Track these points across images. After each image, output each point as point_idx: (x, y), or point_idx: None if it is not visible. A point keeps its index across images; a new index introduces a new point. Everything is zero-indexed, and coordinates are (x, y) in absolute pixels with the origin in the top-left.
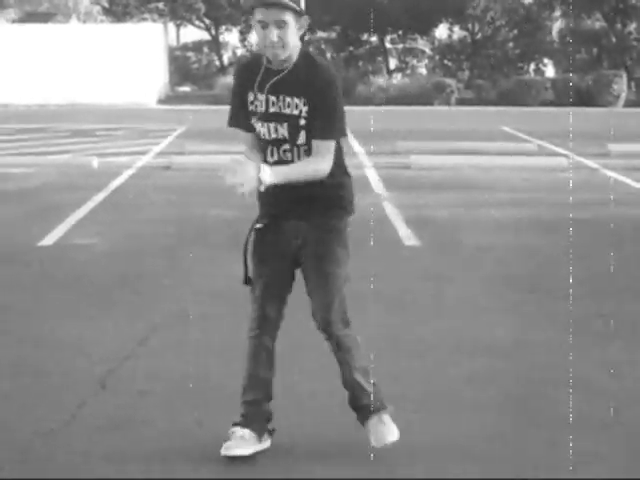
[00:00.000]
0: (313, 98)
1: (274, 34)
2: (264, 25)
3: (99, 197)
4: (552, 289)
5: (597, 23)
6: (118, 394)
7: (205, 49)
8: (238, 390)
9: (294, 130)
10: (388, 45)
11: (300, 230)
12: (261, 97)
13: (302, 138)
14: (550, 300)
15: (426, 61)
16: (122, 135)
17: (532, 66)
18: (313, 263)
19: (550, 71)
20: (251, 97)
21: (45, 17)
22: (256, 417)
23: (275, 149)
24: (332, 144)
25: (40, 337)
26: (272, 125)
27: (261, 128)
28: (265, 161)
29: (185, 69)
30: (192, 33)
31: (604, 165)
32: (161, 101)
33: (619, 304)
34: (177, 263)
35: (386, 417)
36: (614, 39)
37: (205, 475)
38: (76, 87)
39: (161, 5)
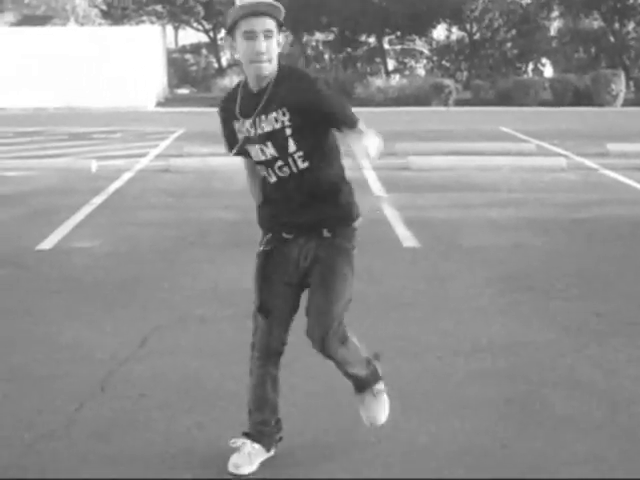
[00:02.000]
0: (306, 105)
1: (263, 45)
2: (251, 36)
3: (98, 200)
4: (550, 289)
5: (595, 23)
6: (117, 397)
7: (204, 51)
8: (238, 393)
9: (281, 143)
10: (386, 46)
11: (309, 250)
12: (244, 124)
13: (292, 147)
14: (548, 300)
15: (424, 62)
16: (120, 138)
17: (530, 66)
18: (319, 282)
19: (548, 71)
20: (237, 125)
21: (43, 20)
22: (266, 432)
23: (270, 170)
24: (362, 124)
25: (39, 340)
26: (258, 147)
27: (251, 150)
28: (267, 183)
29: (183, 71)
30: (190, 36)
31: (603, 165)
32: (160, 103)
33: (616, 303)
34: (176, 266)
35: (377, 391)
36: (612, 39)
37: (205, 477)
38: (74, 90)
39: (159, 8)
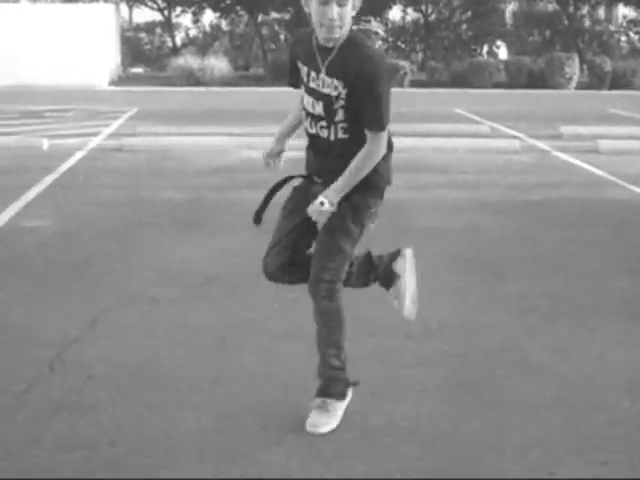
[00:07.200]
0: (358, 86)
1: (334, 12)
2: (324, 2)
3: (49, 179)
4: (502, 271)
5: (550, 6)
6: (66, 378)
7: (158, 30)
8: (187, 374)
9: (330, 109)
10: None
11: None
12: (304, 69)
13: (340, 116)
14: (500, 282)
15: (379, 43)
16: (73, 116)
17: (485, 48)
18: (322, 232)
19: (503, 53)
20: (299, 66)
21: None
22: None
23: (314, 123)
24: (384, 133)
25: None
26: (311, 100)
27: (305, 98)
28: (307, 130)
29: (137, 50)
30: (144, 14)
31: (556, 147)
32: (113, 82)
33: (567, 286)
34: (127, 246)
35: (332, 406)
36: (567, 22)
37: (153, 459)
38: (26, 68)
39: None
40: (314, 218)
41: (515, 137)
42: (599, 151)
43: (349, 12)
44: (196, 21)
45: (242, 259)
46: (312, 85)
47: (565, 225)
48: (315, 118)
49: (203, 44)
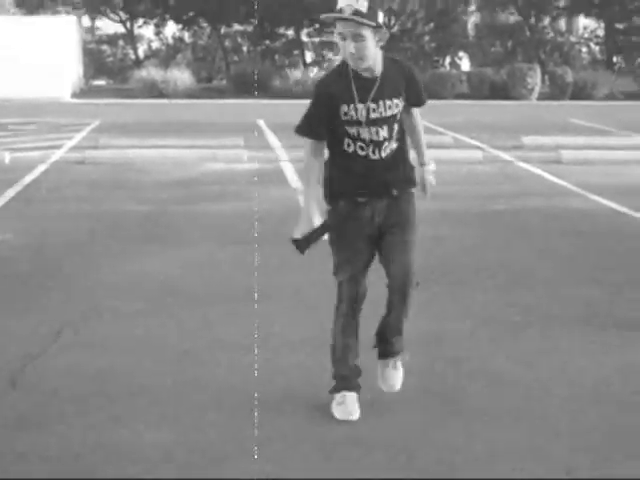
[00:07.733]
0: (410, 88)
1: (351, 47)
2: (343, 37)
3: (11, 193)
4: (466, 281)
5: (512, 17)
6: (30, 391)
7: (120, 42)
8: (151, 386)
9: (392, 126)
10: (304, 38)
11: (381, 208)
12: (360, 106)
13: (396, 129)
14: (464, 291)
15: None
16: (35, 129)
17: (448, 59)
18: (397, 232)
19: (465, 64)
20: (345, 108)
21: None
22: (356, 379)
23: (377, 149)
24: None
25: None
26: (373, 129)
27: (361, 132)
28: (353, 157)
29: (100, 63)
30: (107, 26)
31: (518, 157)
32: (75, 95)
33: (531, 295)
34: (90, 259)
35: (399, 363)
36: (528, 33)
37: (122, 474)
38: None
39: None
40: (434, 183)
41: (478, 148)
42: (561, 161)
43: (368, 46)
44: (158, 33)
45: (204, 271)
46: (374, 116)
47: (528, 235)
48: (379, 144)
49: (166, 56)
